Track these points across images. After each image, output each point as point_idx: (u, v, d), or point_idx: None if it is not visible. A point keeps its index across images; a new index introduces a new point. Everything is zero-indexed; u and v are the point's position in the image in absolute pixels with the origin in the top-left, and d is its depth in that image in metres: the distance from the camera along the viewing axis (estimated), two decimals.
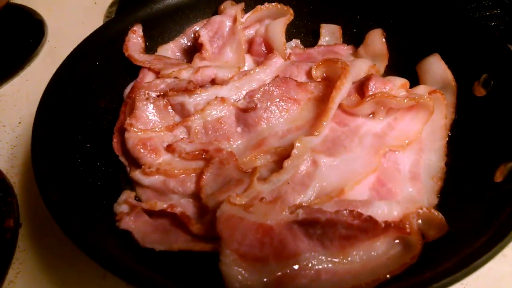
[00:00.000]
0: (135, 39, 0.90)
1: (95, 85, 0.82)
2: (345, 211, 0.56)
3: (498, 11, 1.19)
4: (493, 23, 1.15)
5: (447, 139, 0.76)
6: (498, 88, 0.73)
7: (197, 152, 0.72)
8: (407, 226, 0.60)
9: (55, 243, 0.75)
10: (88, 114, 0.79)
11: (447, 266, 0.49)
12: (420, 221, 0.63)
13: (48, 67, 0.76)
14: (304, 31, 1.02)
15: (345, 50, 0.96)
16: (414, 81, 0.85)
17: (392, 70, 0.91)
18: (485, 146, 0.70)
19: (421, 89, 0.80)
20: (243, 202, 0.60)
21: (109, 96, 0.84)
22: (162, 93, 0.77)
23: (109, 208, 0.69)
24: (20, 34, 1.28)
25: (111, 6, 1.40)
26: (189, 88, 0.76)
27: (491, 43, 0.77)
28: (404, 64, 0.90)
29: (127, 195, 0.70)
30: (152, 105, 0.76)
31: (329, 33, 0.99)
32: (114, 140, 0.76)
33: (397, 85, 0.80)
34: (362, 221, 0.57)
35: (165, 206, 0.65)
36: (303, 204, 0.62)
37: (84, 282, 0.71)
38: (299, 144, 0.68)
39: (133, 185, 0.75)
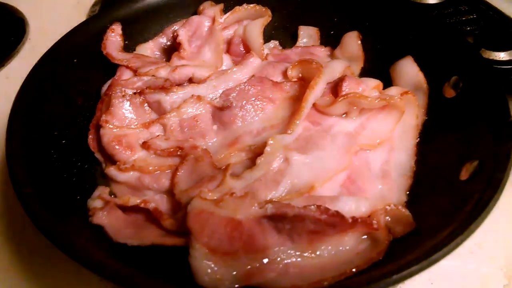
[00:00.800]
0: (113, 38, 0.91)
1: (72, 82, 0.82)
2: (312, 206, 0.58)
3: (474, 16, 1.22)
4: (468, 28, 1.18)
5: (418, 139, 0.78)
6: (467, 89, 0.75)
7: (172, 149, 0.73)
8: (375, 222, 0.61)
9: (31, 240, 0.75)
10: (65, 111, 0.79)
11: (408, 259, 0.51)
12: (388, 217, 0.65)
13: (28, 65, 0.76)
14: (282, 33, 1.04)
15: (322, 52, 0.97)
16: (389, 83, 0.87)
17: (367, 72, 0.93)
18: (453, 146, 0.72)
19: (393, 90, 0.82)
20: (215, 198, 0.61)
21: (87, 93, 0.85)
22: (138, 91, 0.77)
23: (83, 203, 0.70)
24: (1, 32, 1.28)
25: (94, 5, 1.40)
26: (166, 86, 0.77)
27: (461, 46, 0.79)
28: (378, 66, 0.91)
29: (101, 191, 0.70)
30: (128, 102, 0.77)
31: (307, 35, 1.01)
32: (90, 136, 0.76)
33: (370, 86, 0.82)
34: (329, 216, 0.58)
35: (138, 201, 0.66)
36: (274, 200, 0.64)
37: (59, 277, 0.72)
38: (272, 142, 0.70)
39: (108, 181, 0.75)
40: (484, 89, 0.71)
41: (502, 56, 1.06)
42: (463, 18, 1.21)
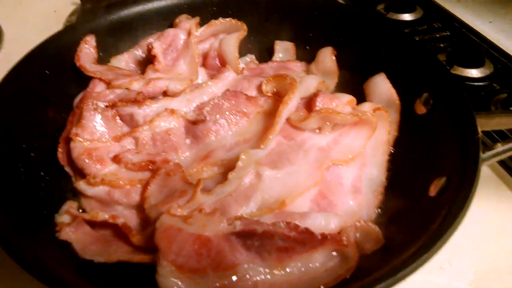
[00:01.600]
0: (87, 50, 0.90)
1: (43, 93, 0.81)
2: (282, 223, 0.58)
3: (448, 33, 1.25)
4: (442, 45, 1.20)
5: (389, 154, 0.79)
6: (437, 106, 0.76)
7: (143, 163, 0.72)
8: (344, 238, 0.61)
9: None
10: (35, 123, 0.77)
11: (374, 277, 0.51)
12: (357, 234, 0.65)
13: (2, 73, 0.75)
14: (259, 47, 1.04)
15: (297, 67, 0.98)
16: (362, 97, 0.88)
17: (341, 86, 0.94)
18: (422, 162, 0.73)
19: (366, 106, 0.82)
20: (184, 214, 0.61)
21: (58, 105, 0.83)
22: (111, 104, 0.76)
23: (51, 218, 0.68)
24: None
25: (71, 15, 1.39)
26: (139, 99, 0.77)
27: (431, 63, 0.81)
28: (353, 81, 0.93)
29: (69, 206, 0.69)
30: (99, 116, 0.76)
31: (283, 49, 1.02)
32: (59, 150, 0.75)
33: (344, 101, 0.83)
34: (298, 233, 0.58)
35: (106, 216, 0.65)
36: (244, 216, 0.63)
37: None
38: (244, 157, 0.70)
39: (78, 195, 0.74)
40: (453, 106, 0.72)
41: (474, 73, 1.08)
42: (437, 35, 1.25)
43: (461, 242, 0.77)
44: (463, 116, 0.70)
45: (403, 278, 0.50)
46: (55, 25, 1.34)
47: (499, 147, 0.67)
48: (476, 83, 1.06)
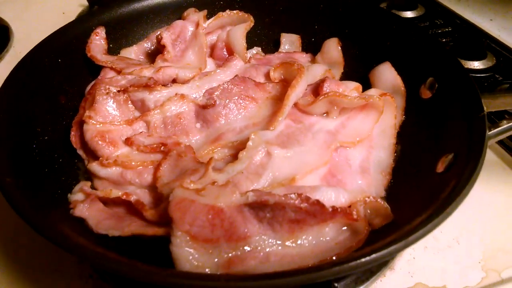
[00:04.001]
0: (97, 41, 0.92)
1: (56, 81, 0.83)
2: (293, 195, 0.59)
3: (450, 29, 1.27)
4: (444, 40, 1.22)
5: (396, 137, 0.80)
6: (442, 89, 0.78)
7: (155, 145, 0.74)
8: (354, 213, 0.62)
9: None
10: (48, 108, 0.79)
11: (387, 240, 0.51)
12: (367, 210, 0.66)
13: None
14: (265, 40, 1.07)
15: (303, 58, 1.00)
16: (368, 88, 0.90)
17: (347, 76, 0.96)
18: (429, 142, 0.74)
19: (372, 92, 0.84)
20: (198, 187, 0.62)
21: (70, 93, 0.85)
22: (122, 89, 0.78)
23: (64, 198, 0.69)
24: None
25: (79, 16, 1.41)
26: (150, 84, 0.78)
27: (435, 48, 0.83)
28: (358, 71, 0.94)
29: (82, 185, 0.70)
30: (112, 100, 0.77)
31: (289, 41, 1.04)
32: (72, 133, 0.76)
33: (350, 87, 0.84)
34: (310, 205, 0.59)
35: (120, 193, 0.66)
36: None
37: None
38: (254, 137, 0.71)
39: (90, 177, 0.75)
40: (458, 87, 0.74)
41: (476, 65, 1.10)
42: (439, 31, 1.26)
43: (469, 223, 0.78)
44: (469, 96, 0.71)
45: (415, 240, 0.51)
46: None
47: (505, 124, 0.69)
48: (479, 75, 1.08)
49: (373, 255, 0.48)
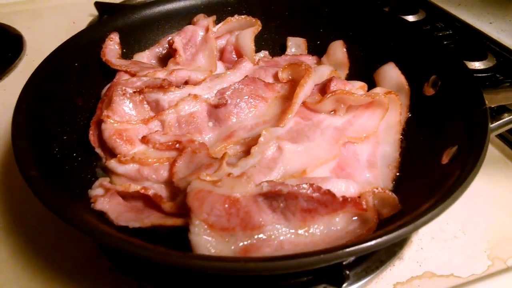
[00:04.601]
0: (112, 46, 0.95)
1: (73, 84, 0.86)
2: (305, 185, 0.61)
3: (450, 32, 1.31)
4: (445, 42, 1.26)
5: (402, 133, 0.83)
6: (445, 86, 0.81)
7: (170, 143, 0.77)
8: (364, 203, 0.65)
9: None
10: (66, 110, 0.82)
11: (395, 225, 0.54)
12: (376, 201, 0.69)
13: (25, 78, 0.80)
14: (272, 44, 1.10)
15: (309, 60, 1.03)
16: (372, 87, 0.93)
17: (352, 77, 0.99)
18: (434, 137, 0.77)
19: (377, 90, 0.87)
20: (214, 179, 0.65)
21: (87, 95, 0.88)
22: (138, 90, 0.81)
23: (84, 194, 0.72)
24: None
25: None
26: (164, 85, 0.82)
27: (437, 48, 0.86)
28: (363, 73, 0.97)
29: (101, 180, 0.73)
30: (128, 100, 0.80)
31: (295, 45, 1.07)
32: (90, 132, 0.79)
33: (356, 86, 0.87)
34: (321, 194, 0.62)
35: (138, 187, 0.69)
36: None
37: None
38: (265, 133, 0.74)
39: (108, 175, 0.78)
40: (460, 83, 0.77)
41: (477, 65, 1.13)
42: (440, 34, 1.30)
43: (473, 214, 0.80)
44: (471, 91, 0.74)
45: (423, 224, 0.53)
46: None
47: (506, 117, 0.72)
48: (480, 74, 1.11)
49: (385, 237, 0.51)
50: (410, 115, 0.86)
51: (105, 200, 0.68)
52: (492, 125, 0.70)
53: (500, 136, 0.95)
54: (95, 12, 1.50)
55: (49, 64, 0.83)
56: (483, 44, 1.16)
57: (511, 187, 0.86)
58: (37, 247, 0.77)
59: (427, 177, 0.71)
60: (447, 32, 1.30)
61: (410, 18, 1.37)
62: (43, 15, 1.57)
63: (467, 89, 0.75)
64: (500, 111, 0.79)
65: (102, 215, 0.67)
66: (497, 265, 0.72)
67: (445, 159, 0.70)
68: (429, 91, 0.85)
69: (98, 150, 0.79)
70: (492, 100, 0.75)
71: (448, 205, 0.56)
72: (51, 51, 0.87)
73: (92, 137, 0.79)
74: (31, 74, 0.79)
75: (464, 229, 0.78)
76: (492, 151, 0.93)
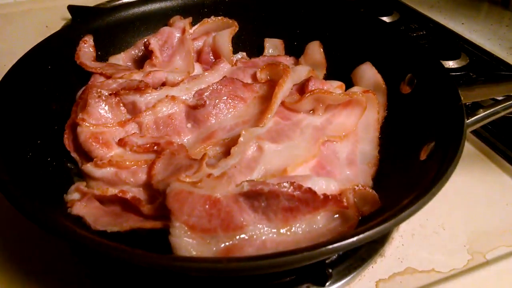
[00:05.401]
0: (86, 49, 0.94)
1: (47, 87, 0.83)
2: (286, 183, 0.61)
3: (424, 32, 1.33)
4: (419, 42, 1.28)
5: (380, 131, 0.84)
6: (420, 84, 0.82)
7: (148, 145, 0.75)
8: (345, 200, 0.65)
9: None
10: (39, 114, 0.80)
11: (375, 221, 0.54)
12: (356, 198, 0.69)
13: None
14: (249, 45, 1.10)
15: (287, 61, 1.03)
16: (349, 87, 0.93)
17: (329, 78, 0.99)
18: (412, 134, 0.78)
19: (355, 89, 0.88)
20: (193, 180, 0.64)
21: (61, 99, 0.86)
22: (114, 92, 0.80)
23: (60, 199, 0.70)
24: None
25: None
26: (141, 87, 0.80)
27: (412, 47, 0.87)
28: (340, 73, 0.98)
29: (78, 185, 0.71)
30: (104, 103, 0.78)
31: (272, 46, 1.07)
32: (65, 136, 0.77)
33: (334, 85, 0.88)
34: (302, 192, 0.62)
35: (116, 191, 0.67)
36: None
37: None
38: (245, 133, 0.73)
39: (84, 179, 0.76)
40: (435, 80, 0.78)
41: (451, 64, 1.15)
42: (414, 34, 1.32)
43: (452, 210, 0.81)
44: (446, 88, 0.75)
45: (403, 219, 0.54)
46: None
47: (481, 113, 0.73)
48: (455, 73, 1.13)
49: (366, 233, 0.51)
50: (387, 113, 0.87)
51: (82, 204, 0.66)
52: (468, 121, 0.71)
53: (475, 133, 0.97)
54: (68, 15, 1.48)
55: (20, 67, 0.80)
56: (457, 44, 1.19)
57: (487, 182, 0.87)
58: (12, 255, 0.74)
59: (406, 174, 0.71)
60: (421, 33, 1.33)
61: (385, 19, 1.39)
62: (14, 19, 1.53)
63: (442, 86, 0.76)
64: (475, 108, 0.80)
65: (79, 220, 0.65)
66: (476, 259, 0.73)
67: (423, 155, 0.71)
68: (406, 89, 0.86)
69: (73, 154, 0.77)
70: (467, 96, 0.76)
71: (428, 200, 0.56)
72: (23, 55, 0.84)
73: (67, 141, 0.77)
74: (1, 78, 0.77)
75: (443, 224, 0.78)
76: (469, 148, 0.95)
